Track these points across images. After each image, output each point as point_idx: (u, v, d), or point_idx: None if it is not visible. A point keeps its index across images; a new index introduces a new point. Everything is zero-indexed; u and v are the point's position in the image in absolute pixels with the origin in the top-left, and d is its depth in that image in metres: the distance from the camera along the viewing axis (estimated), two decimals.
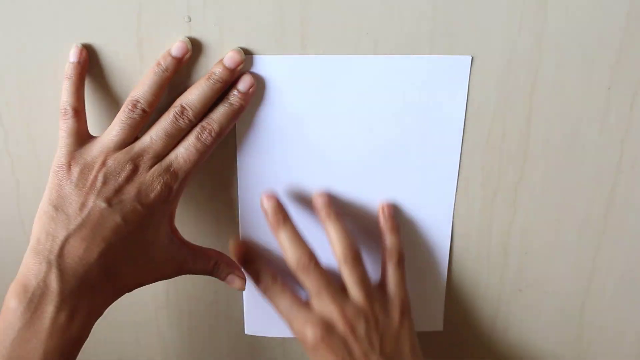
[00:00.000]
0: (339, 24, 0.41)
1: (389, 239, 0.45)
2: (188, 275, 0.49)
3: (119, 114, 0.40)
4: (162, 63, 0.40)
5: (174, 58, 0.40)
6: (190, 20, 0.40)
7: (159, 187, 0.39)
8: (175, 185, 0.39)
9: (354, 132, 0.44)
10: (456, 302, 0.51)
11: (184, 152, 0.40)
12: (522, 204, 0.47)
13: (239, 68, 0.40)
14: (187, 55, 0.40)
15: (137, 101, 0.39)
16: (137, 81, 0.41)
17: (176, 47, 0.40)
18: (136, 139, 0.40)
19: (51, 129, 0.43)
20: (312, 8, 0.40)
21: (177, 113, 0.39)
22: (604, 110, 0.44)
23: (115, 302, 0.41)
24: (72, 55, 0.40)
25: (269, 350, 0.52)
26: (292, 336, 0.44)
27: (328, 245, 0.44)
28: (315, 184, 0.45)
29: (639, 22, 0.41)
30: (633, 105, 0.44)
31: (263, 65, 0.41)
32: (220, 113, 0.40)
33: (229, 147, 0.44)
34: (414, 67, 0.42)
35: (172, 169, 0.39)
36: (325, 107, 0.43)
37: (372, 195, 0.46)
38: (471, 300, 0.51)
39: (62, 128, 0.40)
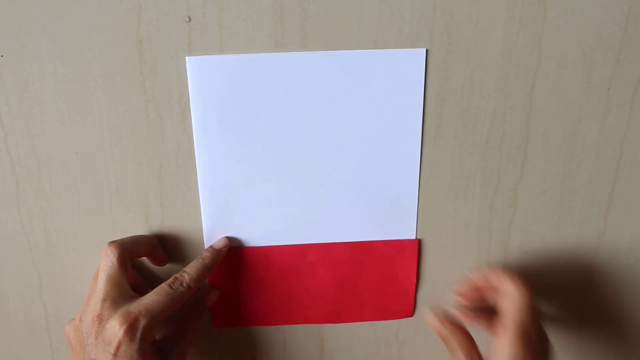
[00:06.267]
0: (339, 24, 0.41)
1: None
2: None
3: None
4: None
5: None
6: (190, 20, 0.40)
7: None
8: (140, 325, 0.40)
9: (312, 128, 0.44)
10: None
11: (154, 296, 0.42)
12: (522, 204, 0.47)
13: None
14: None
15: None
16: (138, 82, 0.41)
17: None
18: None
19: (51, 129, 0.43)
20: (312, 8, 0.40)
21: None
22: (604, 110, 0.44)
23: None
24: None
25: (269, 349, 0.52)
26: (260, 326, 0.48)
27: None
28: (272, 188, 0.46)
29: (639, 22, 0.41)
30: (633, 105, 0.44)
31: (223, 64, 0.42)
32: (192, 266, 0.45)
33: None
34: (371, 61, 0.42)
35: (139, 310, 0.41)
36: (283, 105, 0.43)
37: (339, 188, 0.46)
38: None
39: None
